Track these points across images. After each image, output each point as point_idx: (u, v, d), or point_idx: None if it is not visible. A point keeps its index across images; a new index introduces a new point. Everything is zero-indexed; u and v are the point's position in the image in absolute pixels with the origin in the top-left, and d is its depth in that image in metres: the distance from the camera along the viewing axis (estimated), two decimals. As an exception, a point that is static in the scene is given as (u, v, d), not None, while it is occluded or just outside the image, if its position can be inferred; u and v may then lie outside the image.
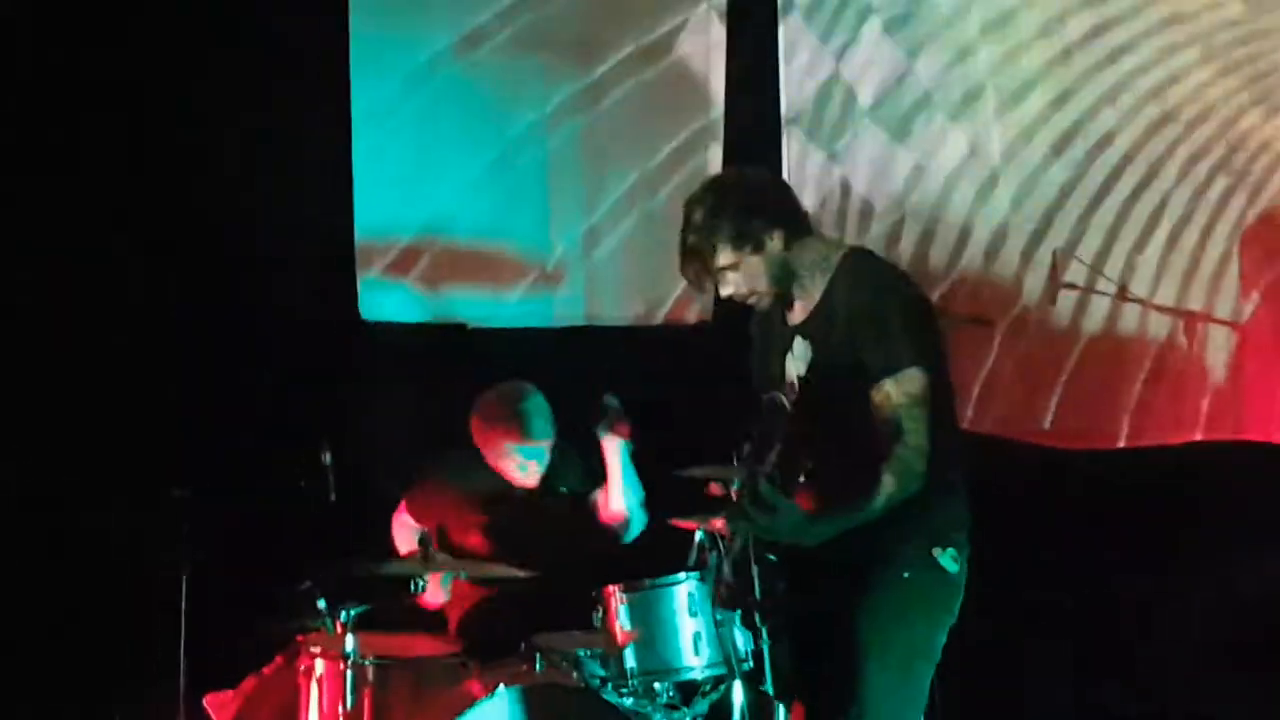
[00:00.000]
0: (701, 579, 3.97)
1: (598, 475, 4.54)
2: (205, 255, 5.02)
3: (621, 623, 3.97)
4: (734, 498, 4.02)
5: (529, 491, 4.52)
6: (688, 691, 4.01)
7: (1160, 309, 5.02)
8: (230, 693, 4.30)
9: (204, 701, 4.33)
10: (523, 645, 4.01)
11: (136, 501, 4.68)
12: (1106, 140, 5.05)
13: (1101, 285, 4.96)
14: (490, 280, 5.38)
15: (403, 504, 4.60)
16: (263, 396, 4.99)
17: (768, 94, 5.32)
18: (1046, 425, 5.07)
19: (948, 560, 3.37)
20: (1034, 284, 5.06)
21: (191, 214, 5.03)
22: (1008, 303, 5.11)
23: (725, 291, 3.45)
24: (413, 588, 4.02)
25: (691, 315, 5.37)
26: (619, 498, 4.46)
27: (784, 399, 3.40)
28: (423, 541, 4.20)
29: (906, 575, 3.33)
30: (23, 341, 4.86)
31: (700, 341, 5.31)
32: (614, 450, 4.44)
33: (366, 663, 3.97)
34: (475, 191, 5.35)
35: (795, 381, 3.42)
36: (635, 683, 3.93)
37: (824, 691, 3.38)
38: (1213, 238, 4.99)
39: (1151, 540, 5.01)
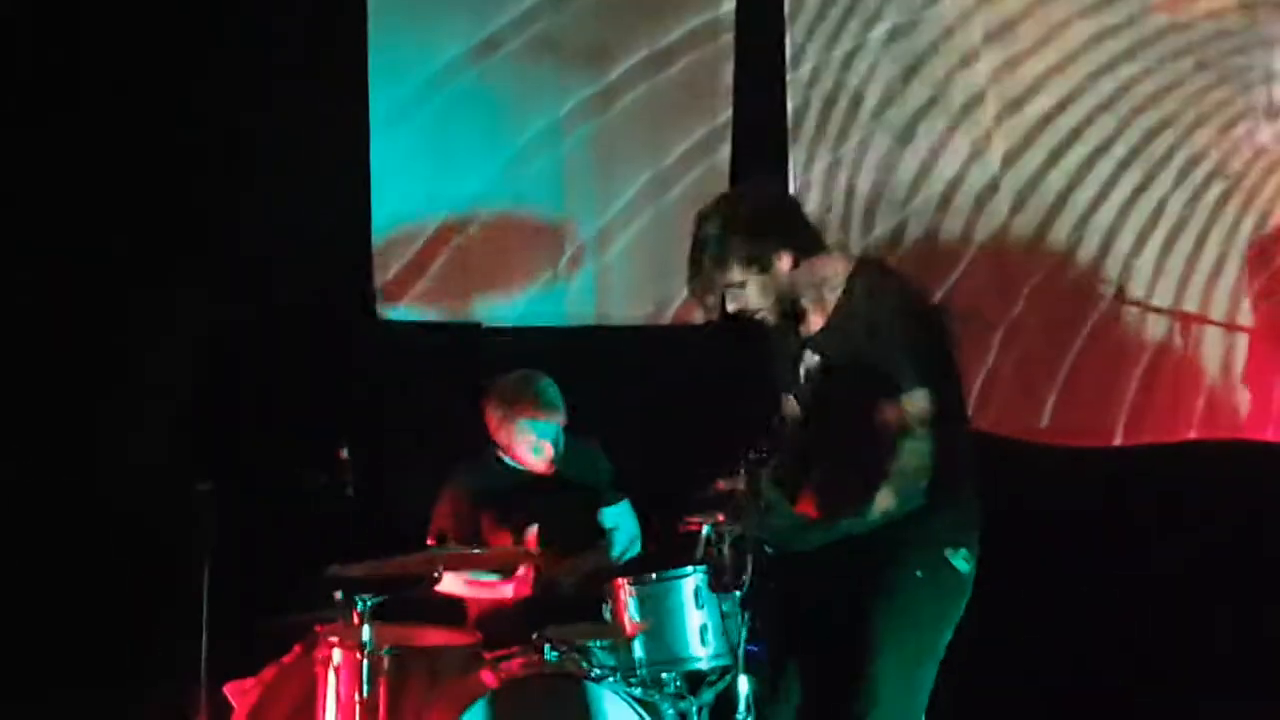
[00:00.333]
0: (714, 588, 4.06)
1: (613, 471, 4.65)
2: (227, 255, 5.11)
3: (630, 614, 4.04)
4: (740, 495, 4.15)
5: (545, 482, 4.60)
6: (694, 681, 4.06)
7: (1157, 310, 5.08)
8: (250, 681, 4.38)
9: (225, 689, 4.43)
10: (534, 636, 4.10)
11: (160, 494, 4.78)
12: (1104, 146, 5.11)
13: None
14: (503, 279, 5.48)
15: (432, 518, 4.67)
16: (283, 393, 5.08)
17: (775, 99, 5.40)
18: (1044, 423, 5.14)
19: (960, 561, 3.46)
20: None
21: (213, 214, 5.11)
22: (1007, 303, 5.18)
23: (732, 307, 3.53)
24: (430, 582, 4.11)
25: (700, 315, 5.44)
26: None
27: (795, 406, 3.51)
28: (440, 538, 4.30)
29: (919, 575, 3.42)
30: (50, 337, 4.93)
31: (708, 341, 5.39)
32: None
33: (383, 653, 4.04)
34: (491, 192, 5.45)
35: (806, 389, 3.53)
36: (643, 673, 4.00)
37: (832, 685, 3.47)
38: (1208, 242, 5.04)
39: (1145, 537, 5.07)
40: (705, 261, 3.50)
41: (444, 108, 5.40)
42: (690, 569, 4.11)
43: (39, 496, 4.88)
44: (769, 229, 3.49)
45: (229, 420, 4.99)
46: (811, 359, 3.55)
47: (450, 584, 4.50)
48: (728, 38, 5.40)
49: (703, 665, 4.03)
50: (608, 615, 4.10)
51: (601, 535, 4.66)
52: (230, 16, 5.10)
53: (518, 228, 5.39)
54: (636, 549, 4.69)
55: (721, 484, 4.18)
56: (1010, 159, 5.16)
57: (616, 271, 5.48)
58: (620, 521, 4.72)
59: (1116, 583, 5.05)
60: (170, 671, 4.59)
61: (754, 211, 3.53)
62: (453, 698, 4.07)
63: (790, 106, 5.37)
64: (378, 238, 5.37)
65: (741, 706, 3.92)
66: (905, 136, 5.26)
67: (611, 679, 3.97)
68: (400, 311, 5.41)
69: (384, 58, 5.37)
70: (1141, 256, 5.11)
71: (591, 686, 3.96)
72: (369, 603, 3.97)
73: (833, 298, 3.50)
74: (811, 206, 5.34)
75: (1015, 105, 5.13)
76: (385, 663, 4.07)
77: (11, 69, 4.94)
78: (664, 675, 4.03)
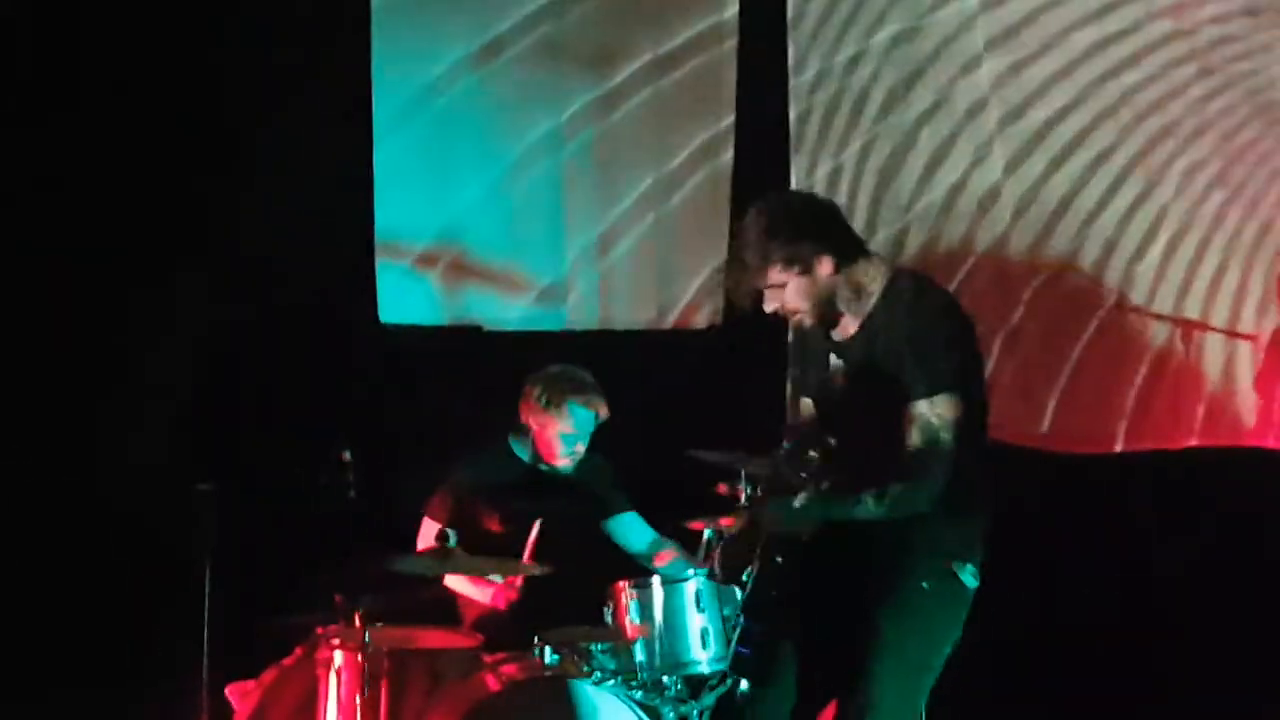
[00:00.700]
0: (709, 576, 4.07)
1: (619, 483, 4.66)
2: (229, 257, 5.12)
3: (631, 618, 4.06)
4: (740, 498, 4.17)
5: (554, 481, 4.60)
6: (695, 685, 4.08)
7: (1158, 317, 5.09)
8: (251, 682, 4.40)
9: (226, 691, 4.44)
10: (535, 639, 4.11)
11: (161, 496, 4.79)
12: (1107, 153, 5.12)
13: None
14: (505, 283, 5.49)
15: (426, 511, 4.68)
16: (285, 396, 5.09)
17: (778, 104, 5.42)
18: (1044, 429, 5.15)
19: (967, 575, 3.47)
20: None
21: (216, 216, 5.12)
22: (1007, 308, 5.20)
23: (770, 308, 3.56)
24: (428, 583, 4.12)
25: (702, 319, 5.47)
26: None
27: (812, 408, 3.52)
28: (440, 538, 4.30)
29: (926, 586, 3.43)
30: (51, 337, 4.94)
31: (710, 345, 5.41)
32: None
33: (383, 654, 4.06)
34: (492, 197, 5.46)
35: (829, 389, 3.55)
36: (644, 676, 4.02)
37: (829, 689, 3.49)
38: (1210, 249, 5.05)
39: (1145, 543, 5.08)
40: (747, 260, 3.52)
41: (446, 112, 5.42)
42: (691, 572, 4.12)
43: (39, 497, 4.89)
44: (812, 232, 3.50)
45: (230, 421, 5.00)
46: (838, 363, 3.56)
47: (454, 581, 4.51)
48: (731, 43, 5.42)
49: (703, 669, 4.05)
50: (608, 618, 4.11)
51: (604, 541, 4.65)
52: (233, 18, 5.11)
53: (512, 245, 5.41)
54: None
55: (723, 487, 4.20)
56: (1012, 166, 5.17)
57: (619, 276, 5.49)
58: (634, 529, 4.70)
59: (1116, 588, 5.06)
60: (171, 673, 4.60)
61: (798, 214, 3.55)
62: (453, 700, 4.08)
63: (793, 112, 5.38)
64: (381, 239, 5.38)
65: (741, 710, 3.95)
66: (907, 143, 5.28)
67: (612, 682, 3.98)
68: (402, 314, 5.43)
69: (387, 61, 5.38)
70: (1143, 263, 5.12)
71: (592, 689, 3.96)
72: (370, 605, 3.98)
73: (868, 304, 3.52)
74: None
75: (1017, 112, 5.15)
76: (386, 664, 4.08)
77: (11, 69, 4.95)
78: (665, 679, 4.03)
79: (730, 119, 5.45)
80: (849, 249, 3.54)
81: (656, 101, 5.46)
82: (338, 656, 4.18)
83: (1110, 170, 5.12)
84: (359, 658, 4.01)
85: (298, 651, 4.37)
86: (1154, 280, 5.12)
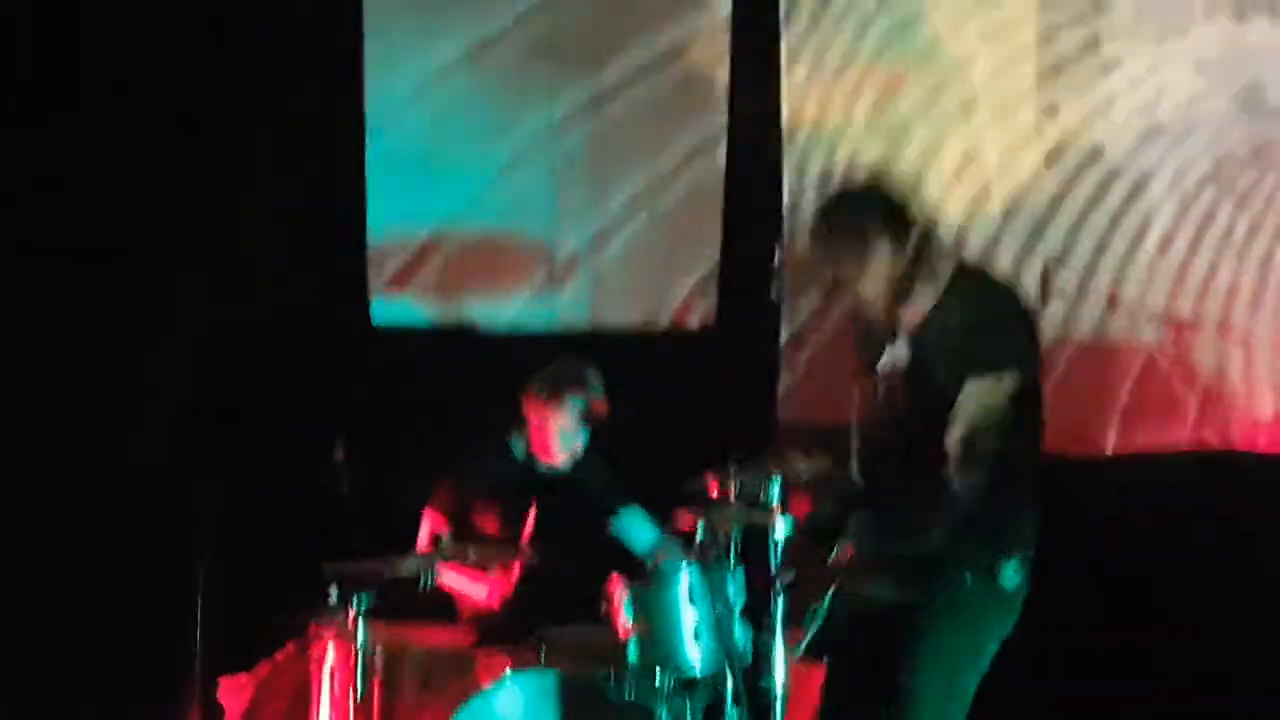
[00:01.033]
0: (701, 571, 4.08)
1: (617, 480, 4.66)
2: (224, 256, 5.13)
3: (624, 614, 4.06)
4: (729, 496, 4.17)
5: (553, 480, 4.61)
6: (688, 682, 4.09)
7: (1148, 318, 5.10)
8: (244, 677, 4.40)
9: (219, 685, 4.44)
10: (529, 636, 4.11)
11: (155, 493, 4.79)
12: (1097, 152, 5.13)
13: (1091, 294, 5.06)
14: (498, 283, 5.50)
15: (425, 511, 4.69)
16: (280, 396, 5.10)
17: (772, 101, 5.43)
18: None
19: (1009, 573, 3.45)
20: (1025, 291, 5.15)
21: (210, 215, 5.13)
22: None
23: (844, 290, 3.61)
24: (421, 583, 4.12)
25: (695, 320, 5.48)
26: None
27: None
28: (436, 540, 4.31)
29: (967, 582, 3.41)
30: (47, 336, 4.95)
31: (704, 345, 5.42)
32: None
33: (377, 652, 4.07)
34: (484, 196, 5.47)
35: (889, 373, 3.54)
36: (637, 673, 4.03)
37: (864, 688, 3.46)
38: (1201, 248, 5.07)
39: (1138, 546, 5.08)
40: (833, 240, 3.55)
41: (439, 110, 5.43)
42: (684, 565, 4.12)
43: (34, 494, 4.89)
44: (901, 218, 3.53)
45: (226, 420, 5.00)
46: (900, 351, 3.56)
47: (449, 579, 4.51)
48: (724, 40, 5.44)
49: (696, 666, 4.04)
50: (602, 614, 4.11)
51: (604, 540, 4.65)
52: (229, 17, 5.12)
53: (504, 244, 5.42)
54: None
55: (713, 485, 4.20)
56: (1003, 164, 5.18)
57: (611, 276, 5.50)
58: (637, 525, 4.70)
59: (1106, 589, 5.06)
60: (164, 668, 4.60)
61: (883, 204, 3.57)
62: (447, 697, 4.08)
63: (785, 110, 5.39)
64: (373, 238, 5.39)
65: (729, 707, 3.96)
66: (899, 142, 5.29)
67: (606, 679, 3.98)
68: (395, 314, 5.43)
69: (380, 59, 5.40)
70: (1134, 263, 5.13)
71: (584, 687, 3.96)
72: (364, 601, 3.98)
73: (933, 292, 3.53)
74: (806, 210, 5.37)
75: (1008, 111, 5.16)
76: (379, 661, 4.09)
77: (11, 69, 4.95)
78: (658, 676, 4.03)
79: (723, 118, 5.47)
80: (927, 237, 3.55)
81: (649, 100, 5.47)
82: (331, 652, 4.18)
83: (1100, 169, 5.14)
84: (352, 654, 4.01)
85: (291, 647, 4.37)
86: (1145, 280, 5.13)
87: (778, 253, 5.26)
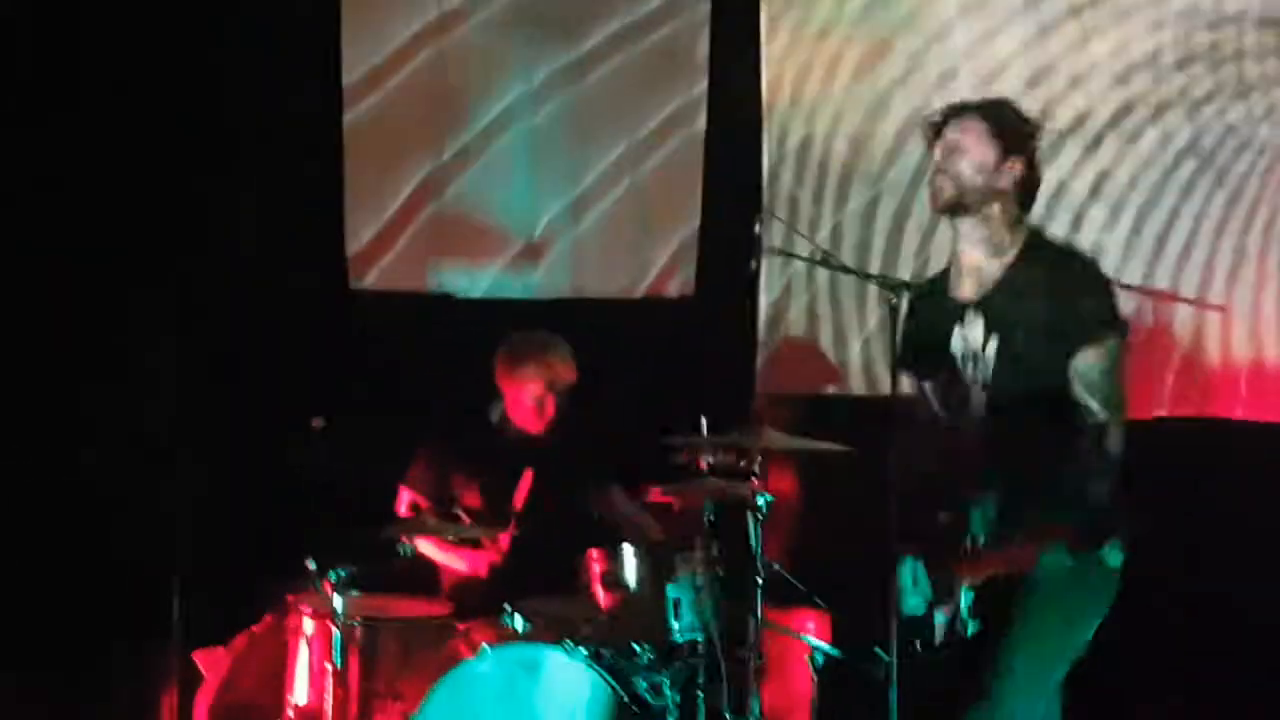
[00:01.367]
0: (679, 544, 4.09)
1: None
2: (197, 226, 5.10)
3: (603, 586, 4.07)
4: (703, 468, 4.17)
5: (529, 450, 4.60)
6: (667, 654, 4.11)
7: (1127, 288, 5.11)
8: (221, 649, 4.40)
9: (195, 657, 4.43)
10: (508, 607, 4.12)
11: (132, 464, 4.78)
12: (1077, 122, 5.11)
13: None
14: (475, 251, 5.48)
15: (404, 482, 4.67)
16: (256, 364, 5.08)
17: (752, 70, 5.41)
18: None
19: (1113, 554, 3.35)
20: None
21: (180, 186, 5.10)
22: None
23: (949, 179, 3.40)
24: (400, 553, 4.13)
25: (673, 289, 5.47)
26: None
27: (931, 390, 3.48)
28: (414, 509, 4.31)
29: (1070, 564, 3.30)
30: (28, 318, 4.92)
31: (683, 315, 5.41)
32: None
33: (355, 623, 4.08)
34: (463, 163, 5.44)
35: (970, 355, 3.41)
36: (615, 645, 4.04)
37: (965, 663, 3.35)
38: (1179, 219, 5.07)
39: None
40: (984, 135, 3.41)
41: (416, 75, 5.40)
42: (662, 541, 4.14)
43: (11, 470, 4.87)
44: (1024, 137, 3.44)
45: (201, 391, 4.98)
46: (975, 325, 3.43)
47: (428, 549, 4.51)
48: (703, 9, 5.41)
49: (675, 638, 4.06)
50: (581, 587, 4.12)
51: (584, 511, 4.65)
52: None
53: (482, 212, 5.40)
54: None
55: (688, 456, 4.21)
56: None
57: (590, 244, 5.49)
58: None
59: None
60: (143, 639, 4.60)
61: (1025, 121, 3.48)
62: (426, 668, 4.09)
63: (765, 79, 5.37)
64: (350, 203, 5.36)
65: (702, 679, 3.99)
66: (879, 111, 5.27)
67: (584, 651, 3.99)
68: (372, 279, 5.41)
69: (358, 24, 5.36)
70: (1112, 234, 5.13)
71: (563, 658, 3.97)
72: (342, 572, 3.98)
73: (1000, 260, 3.41)
74: (786, 179, 5.36)
75: (988, 80, 5.14)
76: (357, 633, 4.09)
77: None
78: (636, 647, 4.05)
79: (703, 86, 5.44)
80: (1033, 187, 3.45)
81: (629, 68, 5.44)
82: (309, 624, 4.18)
83: (1080, 140, 5.13)
84: (330, 625, 4.01)
85: (268, 619, 4.37)
86: (1124, 251, 5.13)
87: (757, 222, 5.25)
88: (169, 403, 4.93)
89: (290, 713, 4.19)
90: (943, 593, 3.37)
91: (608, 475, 4.66)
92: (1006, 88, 5.07)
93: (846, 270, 4.79)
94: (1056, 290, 3.35)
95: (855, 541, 4.29)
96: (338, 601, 3.99)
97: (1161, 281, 5.14)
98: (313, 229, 5.33)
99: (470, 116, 5.43)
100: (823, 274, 5.26)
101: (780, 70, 5.36)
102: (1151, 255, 5.12)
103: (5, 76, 4.91)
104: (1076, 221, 5.13)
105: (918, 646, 3.42)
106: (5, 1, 4.93)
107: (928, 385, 3.55)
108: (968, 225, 3.44)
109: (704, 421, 4.24)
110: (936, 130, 3.47)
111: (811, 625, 4.52)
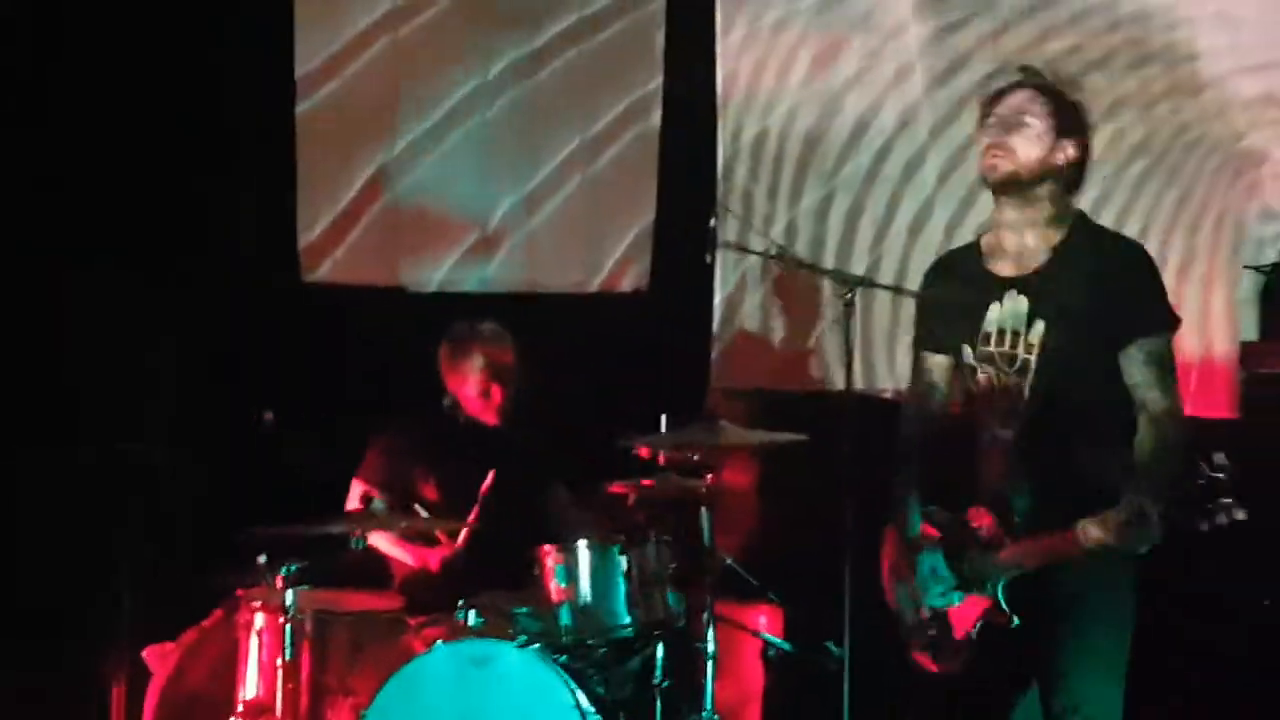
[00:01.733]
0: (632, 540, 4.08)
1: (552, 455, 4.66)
2: (149, 218, 5.06)
3: (557, 581, 4.06)
4: (660, 461, 4.16)
5: (484, 441, 4.59)
6: (620, 649, 4.10)
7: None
8: (170, 645, 4.37)
9: (144, 654, 4.39)
10: (461, 602, 4.10)
11: (83, 458, 4.73)
12: (1031, 120, 5.14)
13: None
14: (430, 245, 5.45)
15: (357, 475, 4.65)
16: (206, 357, 5.04)
17: (708, 65, 5.40)
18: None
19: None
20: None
21: (135, 176, 5.05)
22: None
23: (1001, 151, 3.31)
24: (351, 544, 4.10)
25: (628, 283, 5.47)
26: None
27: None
28: (366, 500, 4.28)
29: (1125, 577, 3.24)
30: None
31: (638, 309, 5.41)
32: None
33: (306, 617, 4.05)
34: (416, 156, 5.42)
35: (1012, 334, 3.30)
36: (569, 640, 4.03)
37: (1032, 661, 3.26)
38: (1131, 215, 5.10)
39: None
40: (1027, 102, 3.33)
41: (370, 67, 5.37)
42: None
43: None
44: (1079, 121, 3.37)
45: (153, 382, 4.94)
46: (1017, 303, 3.31)
47: (380, 542, 4.49)
48: (659, 3, 5.40)
49: (628, 633, 4.05)
50: (534, 581, 4.10)
51: (538, 504, 4.64)
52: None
53: (436, 206, 5.38)
54: None
55: (643, 449, 4.21)
56: (937, 131, 5.19)
57: (545, 238, 5.47)
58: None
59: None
60: (92, 636, 4.55)
61: (1077, 106, 3.40)
62: (377, 663, 4.06)
63: (720, 74, 5.37)
64: (303, 195, 5.33)
65: (659, 674, 3.98)
66: (834, 107, 5.28)
67: (537, 646, 3.97)
68: (325, 273, 5.38)
69: (310, 16, 5.32)
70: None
71: (517, 653, 3.96)
72: (292, 566, 3.95)
73: (1044, 241, 3.31)
74: (740, 175, 5.37)
75: (943, 78, 5.16)
76: (308, 627, 4.06)
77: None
78: (590, 642, 4.04)
79: (658, 80, 5.44)
80: (1084, 169, 3.36)
81: (584, 62, 5.43)
82: (259, 618, 4.15)
83: (1034, 138, 5.14)
84: (280, 620, 3.99)
85: (218, 613, 4.34)
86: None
87: (712, 217, 5.25)
88: (117, 397, 4.89)
89: (240, 707, 4.15)
90: (972, 583, 3.30)
91: (553, 471, 4.66)
92: (962, 86, 5.10)
93: (801, 265, 4.81)
94: (1109, 278, 3.26)
95: (810, 534, 4.31)
96: (288, 595, 3.96)
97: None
98: (265, 222, 5.29)
99: (424, 109, 5.41)
100: (777, 269, 5.27)
101: (735, 65, 5.36)
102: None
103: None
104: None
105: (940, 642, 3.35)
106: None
107: (966, 356, 3.36)
108: (1016, 203, 3.33)
109: (661, 416, 4.25)
110: (991, 104, 3.38)
111: (764, 619, 4.54)
